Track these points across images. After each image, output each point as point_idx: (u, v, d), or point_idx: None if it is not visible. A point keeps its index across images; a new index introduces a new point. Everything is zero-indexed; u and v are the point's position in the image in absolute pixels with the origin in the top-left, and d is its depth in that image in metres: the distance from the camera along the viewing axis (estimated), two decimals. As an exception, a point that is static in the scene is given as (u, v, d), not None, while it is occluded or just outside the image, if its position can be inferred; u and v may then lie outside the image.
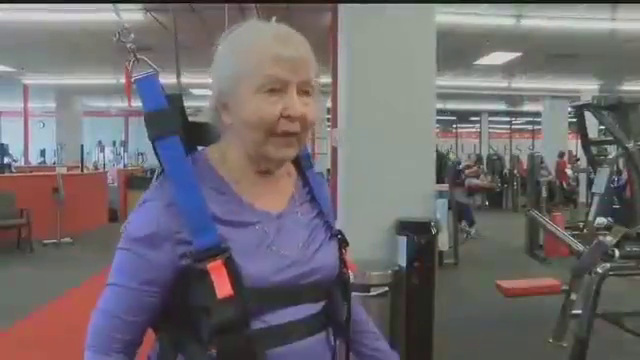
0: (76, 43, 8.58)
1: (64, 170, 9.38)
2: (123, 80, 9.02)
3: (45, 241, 7.94)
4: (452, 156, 15.97)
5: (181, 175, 0.90)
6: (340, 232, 1.08)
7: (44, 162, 17.32)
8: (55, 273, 6.41)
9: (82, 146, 10.99)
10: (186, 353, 0.93)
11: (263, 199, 0.98)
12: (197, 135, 1.02)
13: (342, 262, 1.05)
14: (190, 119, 1.03)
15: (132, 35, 0.99)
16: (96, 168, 13.74)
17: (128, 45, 0.98)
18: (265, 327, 0.90)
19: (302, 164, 1.09)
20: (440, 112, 16.58)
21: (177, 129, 0.92)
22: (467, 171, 13.34)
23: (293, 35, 0.95)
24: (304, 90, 0.93)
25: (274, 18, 0.98)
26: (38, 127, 18.25)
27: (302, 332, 0.94)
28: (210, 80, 0.98)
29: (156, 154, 0.93)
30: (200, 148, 1.03)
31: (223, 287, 0.85)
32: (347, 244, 1.09)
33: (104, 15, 6.70)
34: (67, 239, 7.94)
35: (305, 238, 1.00)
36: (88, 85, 13.19)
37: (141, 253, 0.90)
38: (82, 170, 10.36)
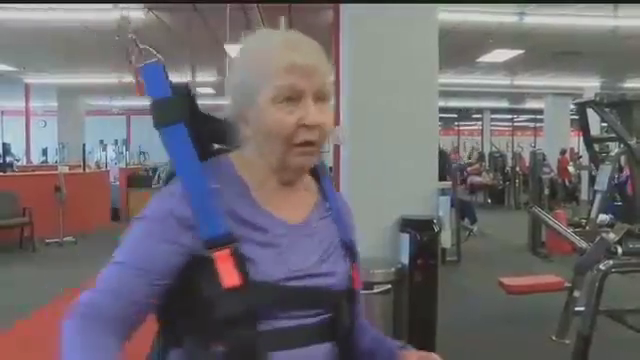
0: (77, 42, 8.58)
1: (66, 169, 9.39)
2: (125, 79, 8.97)
3: (47, 240, 7.94)
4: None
5: (187, 160, 0.89)
6: (354, 247, 1.06)
7: (46, 161, 17.32)
8: (57, 272, 6.41)
9: (84, 145, 11.00)
10: (187, 349, 0.90)
11: (282, 209, 0.96)
12: (213, 130, 1.00)
13: (351, 278, 1.02)
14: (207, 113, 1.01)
15: (131, 24, 0.99)
16: (98, 167, 13.75)
17: (129, 35, 0.99)
18: (270, 329, 0.87)
19: (318, 172, 1.07)
20: (442, 110, 16.56)
21: (183, 116, 0.91)
22: (469, 169, 13.35)
23: (304, 41, 0.94)
24: (320, 97, 0.92)
25: (282, 19, 0.97)
26: (40, 126, 18.27)
27: (306, 339, 0.92)
28: (226, 93, 0.97)
29: (163, 142, 0.92)
30: (216, 146, 1.03)
31: (230, 277, 0.84)
32: (356, 258, 1.05)
33: (105, 14, 6.70)
34: (69, 238, 7.95)
35: (320, 254, 0.97)
36: (90, 84, 13.19)
37: (158, 230, 0.89)
38: (84, 169, 10.36)
